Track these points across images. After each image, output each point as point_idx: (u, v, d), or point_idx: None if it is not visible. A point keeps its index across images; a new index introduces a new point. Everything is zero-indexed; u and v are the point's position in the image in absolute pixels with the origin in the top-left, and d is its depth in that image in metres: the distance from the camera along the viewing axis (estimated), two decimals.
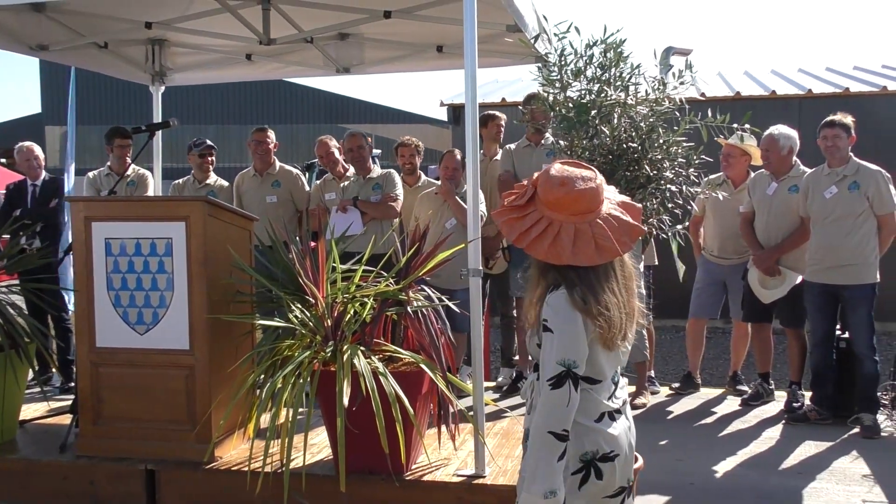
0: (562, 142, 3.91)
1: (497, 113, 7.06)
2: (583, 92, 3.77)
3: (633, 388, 6.57)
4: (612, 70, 3.77)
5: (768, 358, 6.54)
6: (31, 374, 5.20)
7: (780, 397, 6.41)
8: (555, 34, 3.84)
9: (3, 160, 20.78)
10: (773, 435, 5.70)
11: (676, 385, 6.98)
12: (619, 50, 3.75)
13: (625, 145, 3.72)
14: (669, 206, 3.86)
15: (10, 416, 4.97)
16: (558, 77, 3.79)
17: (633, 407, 6.32)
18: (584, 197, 2.41)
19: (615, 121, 3.73)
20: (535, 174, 2.50)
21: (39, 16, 5.67)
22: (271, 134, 6.97)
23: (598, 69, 3.77)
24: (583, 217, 2.40)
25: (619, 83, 3.79)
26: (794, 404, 6.14)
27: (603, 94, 3.73)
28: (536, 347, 2.50)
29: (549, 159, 6.25)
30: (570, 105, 3.73)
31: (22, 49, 6.07)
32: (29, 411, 5.40)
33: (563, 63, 3.77)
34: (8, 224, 5.36)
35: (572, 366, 2.36)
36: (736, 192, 6.49)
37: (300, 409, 3.77)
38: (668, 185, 3.78)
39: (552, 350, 2.37)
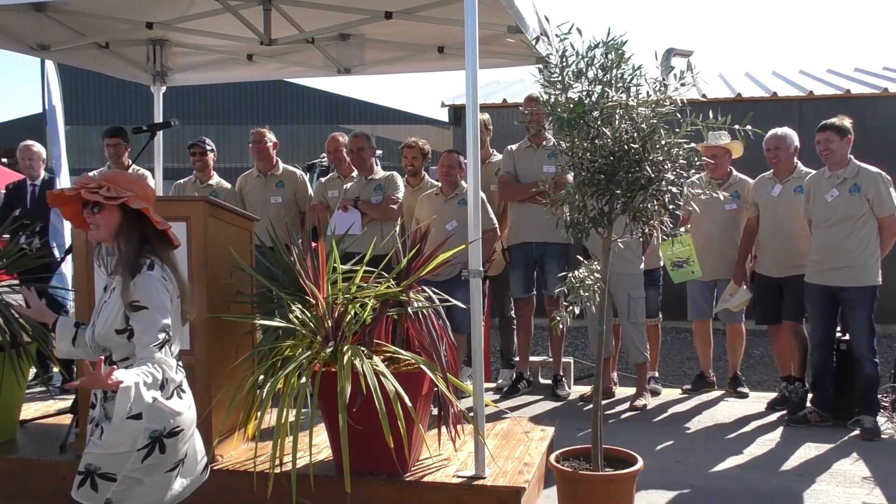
0: (563, 143, 3.91)
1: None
2: (583, 93, 3.76)
3: (633, 390, 6.58)
4: (614, 71, 3.76)
5: (788, 360, 6.49)
6: (31, 374, 5.19)
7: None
8: (556, 35, 3.84)
9: (4, 160, 20.77)
10: (772, 437, 5.70)
11: (688, 386, 6.98)
12: (621, 51, 3.74)
13: (626, 146, 3.71)
14: (671, 207, 3.86)
15: (10, 416, 4.97)
16: (559, 78, 3.78)
17: (633, 408, 6.32)
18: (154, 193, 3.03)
19: (616, 122, 3.72)
20: (106, 176, 2.94)
21: (40, 16, 5.67)
22: (269, 134, 6.98)
23: (599, 70, 3.76)
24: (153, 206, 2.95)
25: (620, 84, 3.78)
26: (794, 399, 6.17)
27: (605, 96, 3.73)
28: (114, 334, 2.82)
29: (551, 160, 6.27)
30: (570, 106, 3.72)
31: (23, 49, 6.07)
32: (29, 411, 5.41)
33: (564, 64, 3.77)
34: (7, 224, 5.36)
35: (170, 329, 2.80)
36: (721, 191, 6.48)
37: (300, 410, 3.77)
38: (670, 187, 3.77)
39: (153, 322, 2.76)
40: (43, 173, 6.99)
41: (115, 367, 2.71)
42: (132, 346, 2.81)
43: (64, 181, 6.88)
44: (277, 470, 3.64)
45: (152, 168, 7.17)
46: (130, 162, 6.79)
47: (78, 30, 6.11)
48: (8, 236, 5.34)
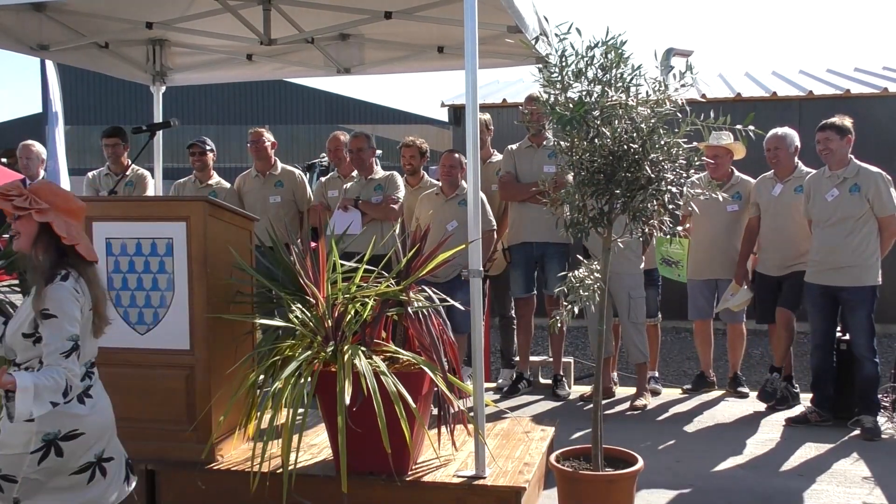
0: (562, 143, 3.91)
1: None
2: (584, 93, 3.76)
3: (633, 390, 6.58)
4: (613, 71, 3.76)
5: (789, 359, 6.48)
6: None
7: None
8: (556, 35, 3.84)
9: (4, 160, 20.77)
10: (773, 436, 5.70)
11: (688, 386, 6.98)
12: (620, 51, 3.74)
13: (625, 146, 3.71)
14: (670, 207, 3.86)
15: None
16: (559, 78, 3.78)
17: (634, 408, 6.31)
18: (83, 207, 3.11)
19: (616, 122, 3.72)
20: (33, 186, 3.04)
21: (40, 16, 5.67)
22: (267, 134, 6.98)
23: (598, 70, 3.76)
24: (81, 223, 3.07)
25: (620, 84, 3.78)
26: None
27: (604, 96, 3.73)
28: (21, 338, 2.93)
29: (551, 160, 6.27)
30: (570, 105, 3.72)
31: (22, 49, 6.06)
32: None
33: (563, 64, 3.77)
34: (7, 224, 5.35)
35: (78, 339, 2.88)
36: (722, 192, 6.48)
37: (300, 410, 3.77)
38: (669, 187, 3.77)
39: (61, 331, 2.84)
40: (42, 173, 6.98)
41: (5, 367, 2.80)
42: (36, 351, 2.90)
43: (63, 181, 6.87)
44: (279, 470, 3.63)
45: (152, 168, 7.17)
46: (130, 162, 6.78)
47: (77, 30, 6.11)
48: (8, 237, 5.32)
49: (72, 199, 3.08)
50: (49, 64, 6.84)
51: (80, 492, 2.96)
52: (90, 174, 7.11)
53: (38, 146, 7.04)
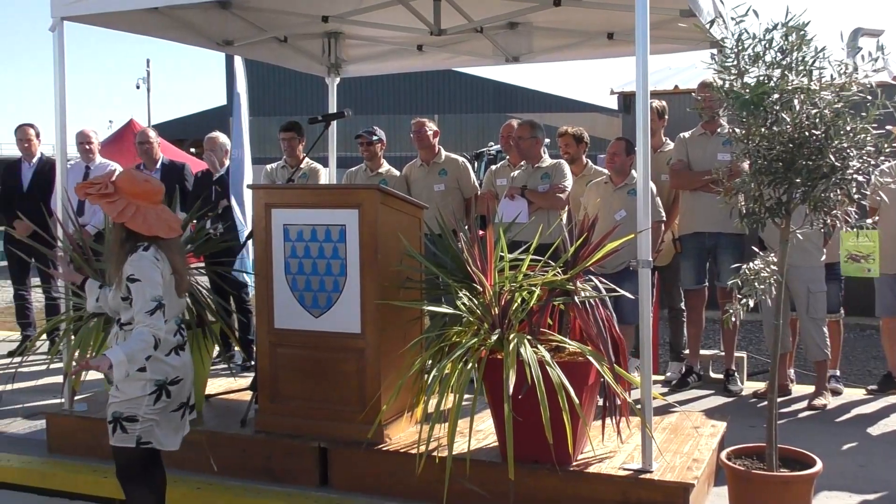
0: (738, 130, 3.77)
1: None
2: (762, 77, 3.60)
3: (811, 388, 6.27)
4: (794, 54, 3.59)
5: None
6: (216, 352, 5.49)
7: None
8: (731, 18, 3.70)
9: (193, 149, 22.02)
10: None
11: (873, 387, 6.58)
12: (802, 33, 3.56)
13: (806, 133, 3.54)
14: (856, 197, 3.65)
15: (196, 391, 5.28)
16: (734, 63, 3.64)
17: (812, 408, 6.01)
18: (159, 190, 3.67)
19: (796, 107, 3.55)
20: (117, 175, 3.63)
21: (225, 13, 5.99)
22: (429, 123, 7.05)
23: (778, 54, 3.60)
24: (157, 204, 3.61)
25: (801, 68, 3.60)
26: None
27: (784, 80, 3.56)
28: (121, 301, 3.55)
29: (725, 148, 6.04)
30: (747, 90, 3.58)
31: (209, 45, 6.43)
32: (213, 387, 5.73)
33: (740, 48, 3.62)
34: (194, 211, 5.70)
35: (161, 299, 3.47)
36: None
37: (466, 396, 3.82)
38: (856, 176, 3.56)
39: (145, 292, 3.44)
40: (227, 162, 7.35)
41: (93, 356, 3.49)
42: (132, 312, 3.49)
43: (246, 170, 7.20)
44: (444, 454, 3.70)
45: (326, 157, 7.43)
46: (304, 155, 7.04)
47: (259, 25, 6.41)
48: (195, 222, 5.65)
49: (144, 184, 3.63)
50: (237, 58, 7.21)
51: (177, 426, 3.70)
52: (268, 167, 7.44)
53: (222, 137, 7.40)
